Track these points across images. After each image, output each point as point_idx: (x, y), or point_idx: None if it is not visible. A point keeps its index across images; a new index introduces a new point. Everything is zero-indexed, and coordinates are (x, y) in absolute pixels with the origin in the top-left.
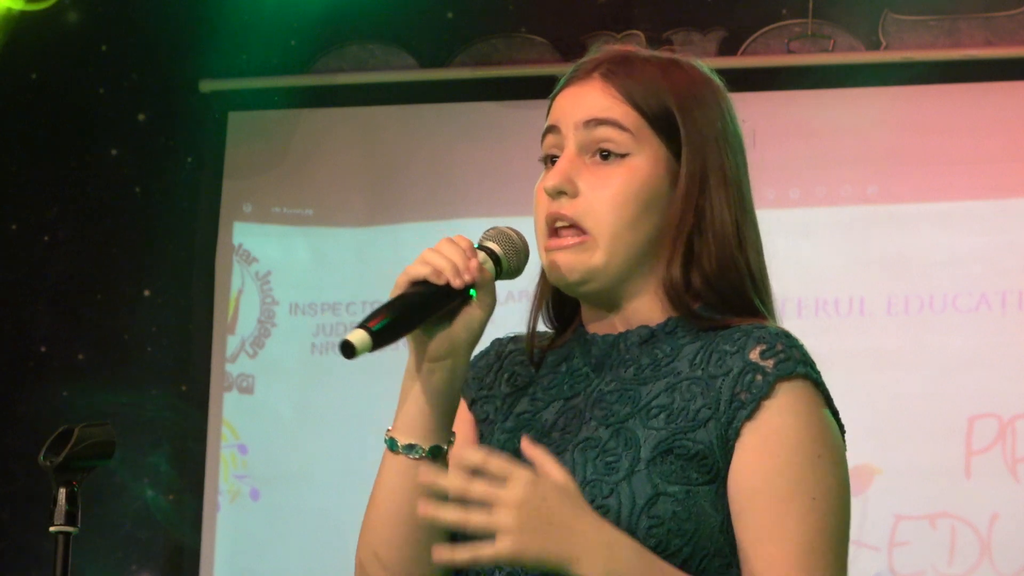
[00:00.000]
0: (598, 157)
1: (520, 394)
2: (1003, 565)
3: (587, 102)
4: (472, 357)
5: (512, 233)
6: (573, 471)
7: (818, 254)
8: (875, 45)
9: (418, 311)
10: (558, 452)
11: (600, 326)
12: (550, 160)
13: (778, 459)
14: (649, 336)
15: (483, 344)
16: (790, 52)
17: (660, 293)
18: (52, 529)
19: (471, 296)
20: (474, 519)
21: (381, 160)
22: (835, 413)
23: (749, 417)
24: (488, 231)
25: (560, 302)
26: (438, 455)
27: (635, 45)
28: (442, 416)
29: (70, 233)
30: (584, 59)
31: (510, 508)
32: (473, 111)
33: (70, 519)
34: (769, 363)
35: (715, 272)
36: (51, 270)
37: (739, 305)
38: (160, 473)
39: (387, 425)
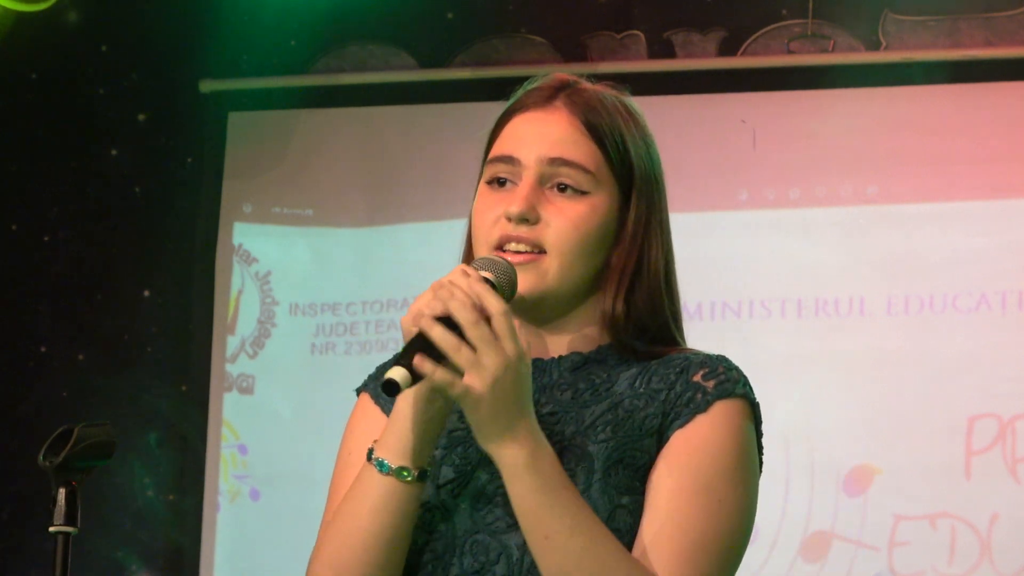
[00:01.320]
0: (556, 190)
1: None
2: (1003, 565)
3: (553, 136)
4: (381, 366)
5: (500, 260)
6: None
7: (818, 254)
8: (875, 45)
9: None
10: None
11: (529, 350)
12: (497, 181)
13: (694, 460)
14: (582, 363)
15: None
16: (790, 52)
17: (596, 325)
18: (52, 529)
19: None
20: (464, 352)
21: (381, 160)
22: (760, 437)
23: (681, 426)
24: (478, 260)
25: None
26: (424, 478)
27: (579, 77)
28: (431, 441)
29: (70, 233)
30: (535, 84)
31: (500, 357)
32: (473, 111)
33: (70, 519)
34: (710, 384)
35: (646, 311)
36: (51, 270)
37: (665, 340)
38: (160, 473)
39: None
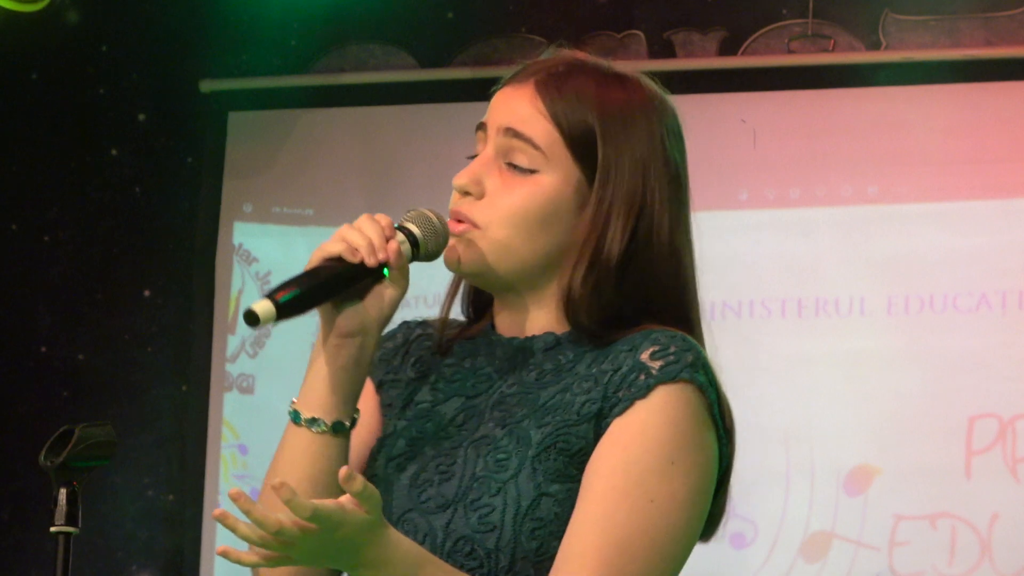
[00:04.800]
0: (507, 166)
1: (422, 382)
2: (1003, 565)
3: (512, 108)
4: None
5: (433, 216)
6: (464, 466)
7: (818, 254)
8: (875, 45)
9: (328, 286)
10: (453, 447)
11: (507, 327)
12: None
13: (628, 453)
14: (555, 343)
15: (392, 325)
16: (790, 52)
17: (561, 306)
18: (52, 529)
19: (384, 275)
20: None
21: (381, 160)
22: (719, 419)
23: (620, 414)
24: (409, 212)
25: (478, 291)
26: (340, 431)
27: (588, 54)
28: (347, 393)
29: (70, 233)
30: (534, 60)
31: (303, 552)
32: (473, 111)
33: (70, 519)
34: (656, 364)
35: (612, 297)
36: (51, 270)
37: (638, 322)
38: (160, 473)
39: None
